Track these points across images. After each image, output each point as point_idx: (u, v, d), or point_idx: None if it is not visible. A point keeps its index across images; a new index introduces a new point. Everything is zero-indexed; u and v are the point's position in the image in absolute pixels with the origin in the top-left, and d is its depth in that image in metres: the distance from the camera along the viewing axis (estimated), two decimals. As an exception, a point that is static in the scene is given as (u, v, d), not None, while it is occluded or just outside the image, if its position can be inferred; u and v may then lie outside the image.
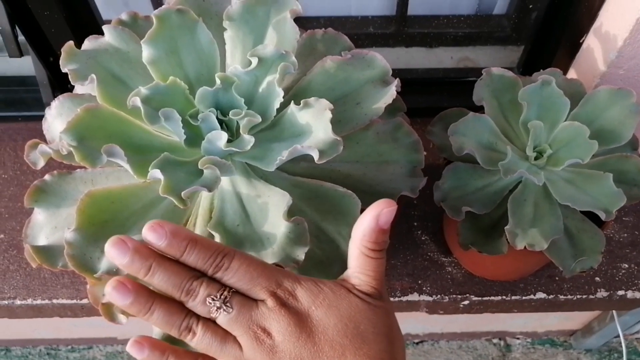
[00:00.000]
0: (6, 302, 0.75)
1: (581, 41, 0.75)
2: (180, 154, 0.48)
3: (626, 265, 0.77)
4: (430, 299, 0.75)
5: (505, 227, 0.56)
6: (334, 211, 0.51)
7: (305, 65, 0.56)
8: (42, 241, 0.53)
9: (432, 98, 0.88)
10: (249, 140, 0.47)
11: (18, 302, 0.75)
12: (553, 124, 0.59)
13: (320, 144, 0.45)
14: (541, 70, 0.63)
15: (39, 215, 0.54)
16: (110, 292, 0.41)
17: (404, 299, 0.75)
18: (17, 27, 0.69)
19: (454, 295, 0.75)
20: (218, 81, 0.49)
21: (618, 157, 0.59)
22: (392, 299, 0.75)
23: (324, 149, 0.45)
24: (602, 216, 0.54)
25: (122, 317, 0.51)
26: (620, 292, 0.76)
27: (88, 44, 0.53)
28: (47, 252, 0.52)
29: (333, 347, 0.40)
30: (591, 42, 0.73)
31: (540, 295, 0.76)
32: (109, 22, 0.77)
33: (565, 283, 0.76)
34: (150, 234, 0.40)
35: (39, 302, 0.75)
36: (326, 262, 0.49)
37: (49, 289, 0.75)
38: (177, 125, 0.47)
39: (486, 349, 1.57)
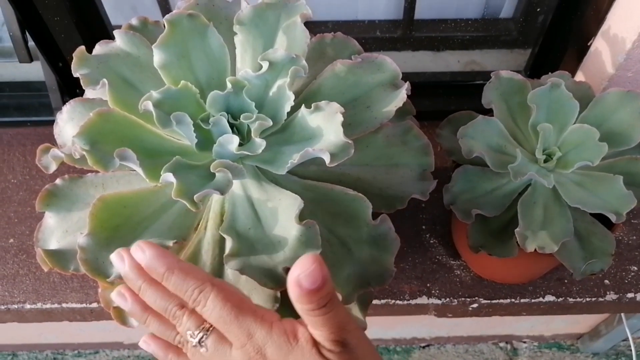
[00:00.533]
0: (16, 306, 0.75)
1: (589, 44, 0.75)
2: (191, 158, 0.48)
3: (635, 268, 0.77)
4: (439, 302, 0.75)
5: (516, 230, 0.56)
6: (345, 214, 0.51)
7: (315, 69, 0.56)
8: (53, 245, 0.53)
9: (439, 101, 0.88)
10: (260, 143, 0.47)
11: (28, 306, 0.75)
12: (562, 126, 0.59)
13: (331, 147, 0.45)
14: (549, 73, 0.63)
15: (50, 219, 0.54)
16: (114, 299, 0.46)
17: (413, 302, 0.75)
18: (27, 33, 0.70)
19: (463, 299, 0.75)
20: (229, 85, 0.49)
21: (628, 160, 0.59)
22: (400, 302, 0.75)
23: (335, 152, 0.45)
24: (613, 218, 0.54)
25: (133, 320, 0.52)
26: (630, 295, 0.75)
27: (99, 48, 0.54)
28: (59, 256, 0.52)
29: None
30: (599, 44, 0.73)
31: (550, 298, 0.76)
32: (117, 27, 0.78)
33: (575, 286, 0.76)
34: (134, 254, 0.43)
35: (48, 306, 0.75)
36: (337, 265, 0.49)
37: (59, 293, 0.75)
38: (189, 129, 0.47)
39: (493, 352, 1.56)
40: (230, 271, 0.50)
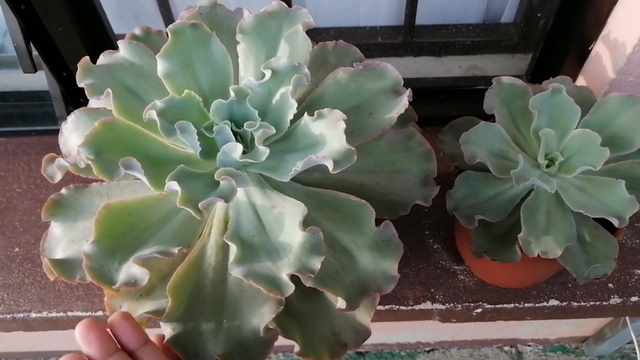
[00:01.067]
0: (22, 315, 0.75)
1: (590, 48, 0.75)
2: (195, 166, 0.49)
3: (639, 271, 0.77)
4: (443, 307, 0.75)
5: (519, 235, 0.56)
6: (348, 221, 0.51)
7: (317, 76, 0.57)
8: (59, 254, 0.53)
9: (441, 107, 0.88)
10: (263, 151, 0.47)
11: (33, 315, 0.75)
12: (564, 131, 0.60)
13: (334, 154, 0.46)
14: (550, 78, 0.64)
15: (56, 229, 0.54)
16: None
17: (417, 307, 0.76)
18: (31, 44, 0.70)
19: (467, 304, 0.75)
20: (232, 94, 0.50)
21: (630, 164, 0.60)
22: (404, 307, 0.75)
23: (338, 159, 0.45)
24: (616, 223, 0.54)
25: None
26: (634, 298, 0.75)
27: (103, 59, 0.54)
28: (65, 265, 0.52)
29: None
30: (600, 49, 0.73)
31: (553, 302, 0.76)
32: (120, 35, 0.79)
33: (578, 290, 0.76)
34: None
35: (54, 314, 0.75)
36: (341, 272, 0.50)
37: (64, 301, 0.76)
38: (193, 138, 0.47)
39: (497, 356, 1.56)
40: (233, 277, 0.50)
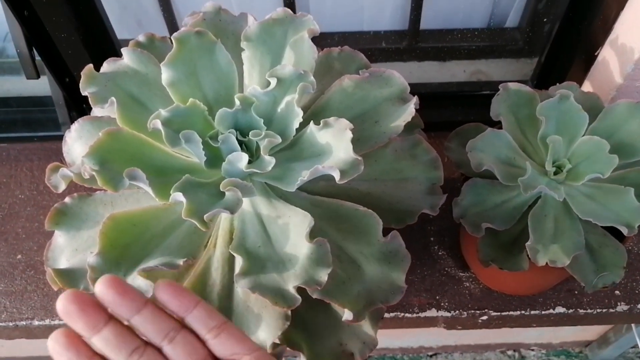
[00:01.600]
0: (24, 322, 0.75)
1: (596, 54, 0.74)
2: (200, 175, 0.48)
3: (646, 278, 0.77)
4: (448, 314, 0.75)
5: (527, 244, 0.56)
6: (355, 231, 0.50)
7: (323, 83, 0.56)
8: (63, 264, 0.53)
9: (445, 112, 0.88)
10: (269, 161, 0.47)
11: (36, 322, 0.75)
12: (572, 138, 0.59)
13: (340, 164, 0.45)
14: (557, 83, 0.63)
15: (60, 238, 0.54)
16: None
17: (422, 315, 0.75)
18: (34, 50, 0.70)
19: (473, 311, 0.75)
20: (237, 102, 0.49)
21: (638, 171, 0.59)
22: (409, 315, 0.75)
23: (344, 168, 0.45)
24: (625, 231, 0.54)
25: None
26: (641, 306, 0.75)
27: (107, 66, 0.54)
28: (69, 275, 0.52)
29: None
30: (607, 54, 0.72)
31: (560, 309, 0.75)
32: (123, 41, 0.78)
33: (585, 297, 0.76)
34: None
35: (57, 322, 0.75)
36: (348, 283, 0.49)
37: (67, 309, 0.75)
38: (198, 147, 0.47)
39: (501, 360, 1.55)
40: (240, 289, 0.49)
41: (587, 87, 0.79)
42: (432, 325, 0.77)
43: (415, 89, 0.55)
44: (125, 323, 0.38)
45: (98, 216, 0.54)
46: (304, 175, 0.45)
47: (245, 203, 0.51)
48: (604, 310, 0.75)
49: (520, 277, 0.67)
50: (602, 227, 0.59)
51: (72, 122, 0.57)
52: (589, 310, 0.75)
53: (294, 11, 0.54)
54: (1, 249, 0.80)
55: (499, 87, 0.61)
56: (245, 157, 0.47)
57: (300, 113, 0.49)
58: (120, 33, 0.81)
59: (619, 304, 0.75)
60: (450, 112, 0.87)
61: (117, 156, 0.46)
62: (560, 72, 0.80)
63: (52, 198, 0.83)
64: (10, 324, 0.75)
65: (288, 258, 0.47)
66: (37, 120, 0.89)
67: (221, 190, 0.45)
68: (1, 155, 0.88)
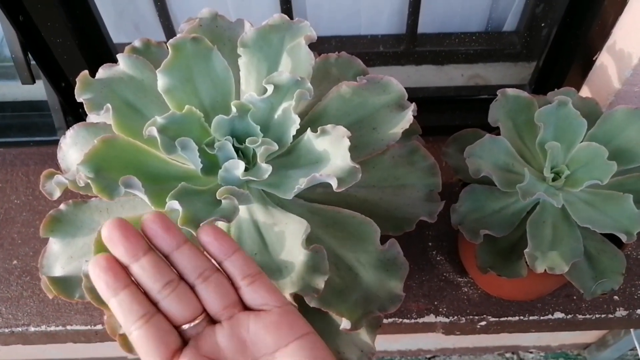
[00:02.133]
0: (20, 328, 0.74)
1: (594, 58, 0.74)
2: (196, 183, 0.48)
3: (645, 283, 0.76)
4: (446, 320, 0.75)
5: (525, 251, 0.55)
6: (352, 238, 0.50)
7: (320, 89, 0.56)
8: (58, 272, 0.52)
9: (443, 116, 0.88)
10: (266, 169, 0.47)
11: (32, 328, 0.74)
12: (570, 144, 0.59)
13: (338, 172, 0.45)
14: (555, 88, 0.63)
15: (55, 245, 0.53)
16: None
17: (420, 320, 0.75)
18: (29, 55, 0.69)
19: (471, 316, 0.74)
20: (234, 109, 0.49)
21: (637, 178, 0.59)
22: (407, 320, 0.75)
23: (342, 176, 0.45)
24: (624, 238, 0.53)
25: (139, 348, 0.51)
26: (640, 311, 0.75)
27: (102, 72, 0.53)
28: (64, 283, 0.52)
29: None
30: (605, 59, 0.72)
31: (559, 315, 0.75)
32: (119, 44, 0.78)
33: (584, 302, 0.75)
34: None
35: (52, 328, 0.74)
36: (345, 291, 0.49)
37: (63, 315, 0.75)
38: (194, 155, 0.47)
39: (499, 363, 1.55)
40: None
41: (585, 92, 0.79)
42: (431, 330, 0.77)
43: (413, 93, 0.54)
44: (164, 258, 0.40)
45: (93, 223, 0.53)
46: (301, 183, 0.45)
47: (242, 210, 0.51)
48: (603, 316, 0.75)
49: (518, 283, 0.66)
50: (600, 233, 0.59)
51: (68, 126, 0.56)
52: (587, 316, 0.75)
53: (291, 16, 0.54)
54: (-3, 254, 0.80)
55: (497, 93, 0.61)
56: (241, 165, 0.46)
57: (297, 120, 0.48)
58: (117, 37, 0.81)
59: (617, 309, 0.75)
60: (448, 116, 0.87)
61: (112, 164, 0.46)
62: (559, 76, 0.80)
63: (48, 203, 0.82)
64: (6, 330, 0.74)
65: (285, 265, 0.47)
66: (33, 124, 0.88)
67: (217, 198, 0.45)
68: (-3, 160, 0.88)
